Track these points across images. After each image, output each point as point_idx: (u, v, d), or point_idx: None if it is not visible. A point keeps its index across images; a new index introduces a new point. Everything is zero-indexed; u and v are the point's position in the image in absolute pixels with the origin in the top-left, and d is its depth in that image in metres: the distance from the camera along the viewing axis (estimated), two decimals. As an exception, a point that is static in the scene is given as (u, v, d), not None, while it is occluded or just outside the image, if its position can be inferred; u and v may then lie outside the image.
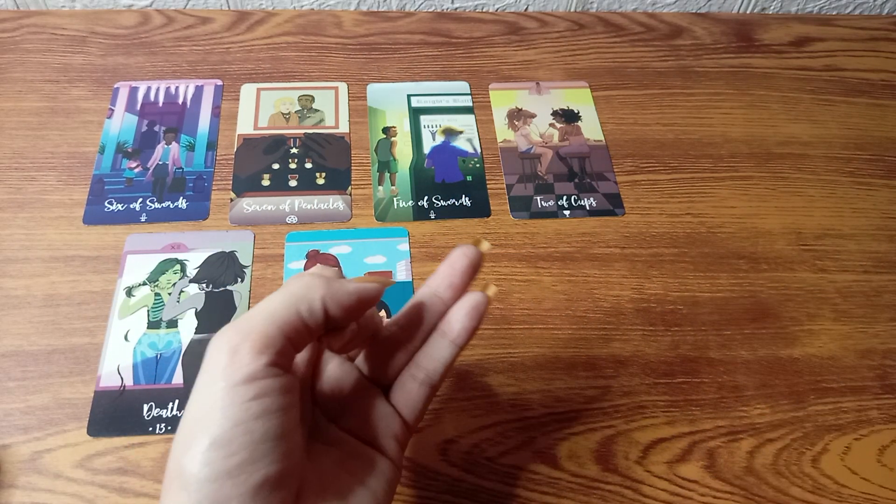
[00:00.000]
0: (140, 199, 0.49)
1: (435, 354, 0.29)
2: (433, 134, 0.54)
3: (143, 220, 0.48)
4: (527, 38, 0.61)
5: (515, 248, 0.48)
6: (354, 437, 0.29)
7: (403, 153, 0.53)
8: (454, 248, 0.30)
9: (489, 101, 0.57)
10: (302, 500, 0.25)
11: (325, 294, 0.26)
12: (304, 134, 0.53)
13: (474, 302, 0.29)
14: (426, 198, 0.50)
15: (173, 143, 0.52)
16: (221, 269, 0.46)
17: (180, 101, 0.55)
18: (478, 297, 0.29)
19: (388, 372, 0.30)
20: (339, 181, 0.51)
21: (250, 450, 0.23)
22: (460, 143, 0.54)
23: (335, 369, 0.30)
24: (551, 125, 0.55)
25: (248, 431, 0.23)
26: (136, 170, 0.50)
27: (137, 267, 0.45)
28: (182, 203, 0.49)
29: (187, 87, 0.55)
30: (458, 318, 0.29)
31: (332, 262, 0.46)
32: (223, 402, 0.23)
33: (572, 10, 0.65)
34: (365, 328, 0.29)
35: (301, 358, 0.30)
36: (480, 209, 0.50)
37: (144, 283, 0.45)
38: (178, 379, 0.41)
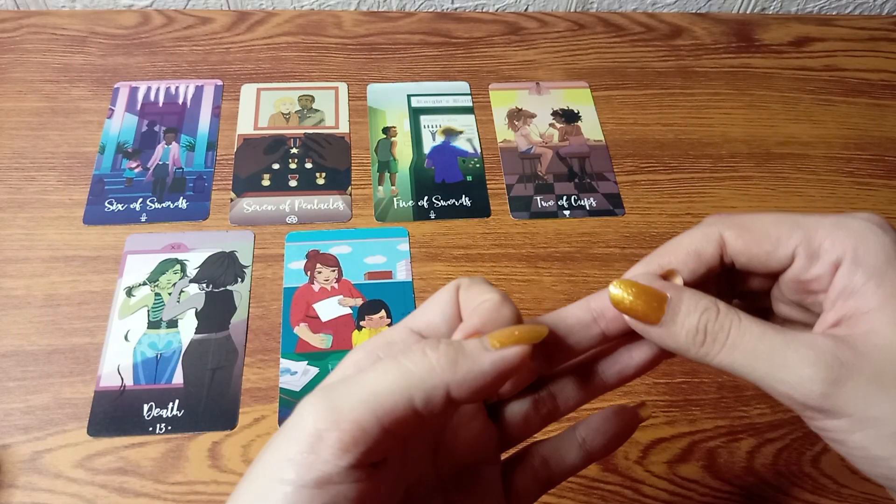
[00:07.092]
0: (140, 199, 0.49)
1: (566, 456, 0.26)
2: (433, 134, 0.54)
3: (143, 220, 0.48)
4: (527, 38, 0.61)
5: (515, 248, 0.48)
6: None
7: (403, 153, 0.53)
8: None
9: (489, 101, 0.57)
10: None
11: (452, 381, 0.20)
12: (304, 134, 0.53)
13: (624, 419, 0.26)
14: (426, 198, 0.50)
15: (173, 143, 0.52)
16: (221, 269, 0.46)
17: (180, 101, 0.55)
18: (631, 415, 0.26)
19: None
20: (339, 181, 0.51)
21: None
22: (460, 143, 0.54)
23: (474, 423, 0.24)
24: (551, 125, 0.55)
25: None
26: (137, 170, 0.50)
27: (137, 267, 0.45)
28: (182, 203, 0.49)
29: (187, 87, 0.55)
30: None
31: (332, 262, 0.46)
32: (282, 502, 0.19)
33: (572, 10, 0.65)
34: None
35: None
36: (480, 209, 0.50)
37: (144, 283, 0.45)
38: (178, 379, 0.41)
